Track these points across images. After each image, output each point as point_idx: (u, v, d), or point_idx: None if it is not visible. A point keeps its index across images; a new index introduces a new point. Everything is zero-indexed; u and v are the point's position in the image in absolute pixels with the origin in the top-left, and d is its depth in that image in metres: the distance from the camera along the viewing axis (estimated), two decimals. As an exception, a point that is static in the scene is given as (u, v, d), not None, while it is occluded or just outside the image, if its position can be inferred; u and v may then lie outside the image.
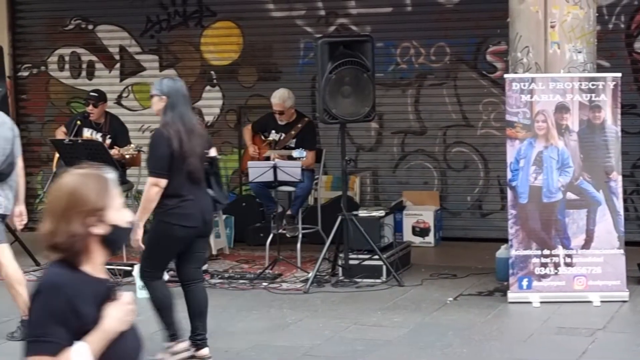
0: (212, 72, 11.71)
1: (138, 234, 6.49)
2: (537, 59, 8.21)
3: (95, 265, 3.12)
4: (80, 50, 12.11)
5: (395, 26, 10.92)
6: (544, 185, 8.08)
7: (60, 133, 10.08)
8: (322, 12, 11.24)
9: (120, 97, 11.93)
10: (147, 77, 11.89)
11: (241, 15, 11.53)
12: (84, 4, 11.96)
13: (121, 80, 11.99)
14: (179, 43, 11.77)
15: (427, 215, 10.66)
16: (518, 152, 8.08)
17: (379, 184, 11.33)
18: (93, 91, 10.12)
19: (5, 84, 10.35)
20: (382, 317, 7.65)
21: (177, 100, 6.45)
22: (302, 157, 9.32)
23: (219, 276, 9.15)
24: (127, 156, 9.68)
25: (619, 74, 8.25)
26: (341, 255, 8.99)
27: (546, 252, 8.07)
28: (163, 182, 6.39)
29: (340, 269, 8.99)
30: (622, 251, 8.07)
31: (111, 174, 3.15)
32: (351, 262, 8.90)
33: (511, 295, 8.02)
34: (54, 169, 9.94)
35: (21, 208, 7.26)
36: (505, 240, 8.32)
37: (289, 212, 9.66)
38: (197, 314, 6.69)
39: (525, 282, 8.04)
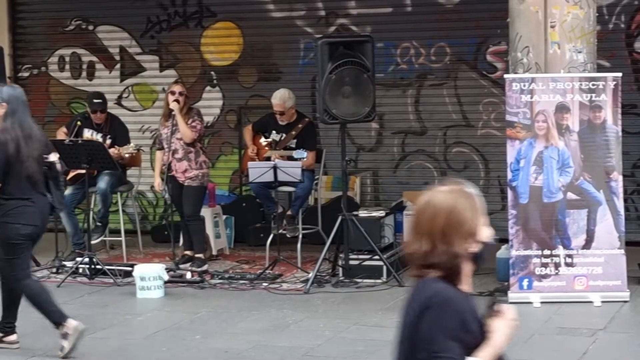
0: (212, 73, 11.71)
1: None
2: (537, 59, 8.21)
3: (466, 281, 3.11)
4: (80, 51, 12.11)
5: (395, 26, 10.92)
6: (545, 185, 8.08)
7: (61, 134, 10.07)
8: (322, 13, 11.24)
9: (120, 97, 11.93)
10: (147, 78, 11.90)
11: (241, 15, 11.52)
12: (84, 5, 11.96)
13: (121, 80, 11.99)
14: (179, 43, 11.77)
15: (427, 216, 10.62)
16: (518, 152, 8.08)
17: (379, 184, 11.33)
18: (95, 97, 10.05)
19: (5, 85, 10.34)
20: (383, 318, 7.65)
21: (16, 107, 6.77)
22: (303, 158, 9.32)
23: (219, 276, 9.15)
24: (127, 155, 9.68)
25: (619, 74, 8.25)
26: (341, 255, 8.99)
27: (547, 252, 8.06)
28: None
29: (340, 269, 8.98)
30: (622, 251, 8.07)
31: (474, 189, 3.17)
32: (351, 262, 8.90)
33: (511, 296, 8.01)
34: (54, 170, 9.92)
35: None
36: (505, 241, 8.32)
37: (289, 213, 9.66)
38: (14, 304, 6.94)
39: (525, 283, 8.03)
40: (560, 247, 8.07)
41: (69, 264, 9.45)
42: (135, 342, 7.20)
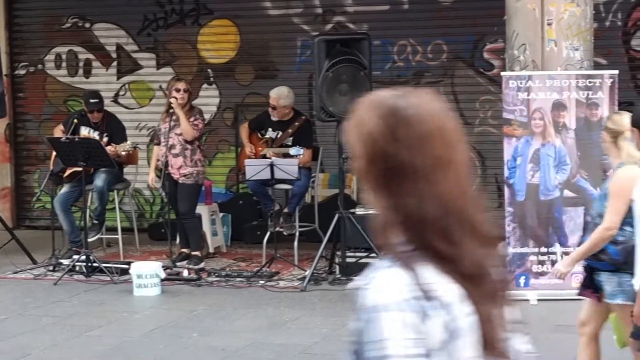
0: (209, 70, 11.70)
1: None
2: (534, 56, 8.21)
3: None
4: (77, 49, 12.10)
5: (392, 24, 10.92)
6: (541, 182, 8.09)
7: (58, 131, 10.07)
8: (319, 10, 11.24)
9: (117, 95, 11.92)
10: (144, 76, 11.90)
11: (238, 13, 11.52)
12: (80, 3, 11.95)
13: (118, 78, 11.98)
14: (176, 41, 11.76)
15: (424, 213, 10.64)
16: (515, 150, 8.08)
17: (376, 181, 11.31)
18: (92, 97, 10.03)
19: (2, 83, 10.34)
20: (380, 315, 7.64)
21: None
22: (299, 155, 9.32)
23: (216, 274, 9.15)
24: (123, 153, 9.67)
25: (616, 72, 8.25)
26: (338, 253, 8.99)
27: (543, 249, 8.07)
28: None
29: (337, 267, 8.99)
30: (619, 249, 8.07)
31: None
32: (348, 260, 8.90)
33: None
34: (51, 167, 9.93)
35: None
36: (502, 238, 8.32)
37: (286, 210, 9.66)
38: None
39: (522, 280, 8.04)
40: (557, 244, 8.08)
41: (65, 261, 9.45)
42: (132, 340, 7.20)
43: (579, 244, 8.01)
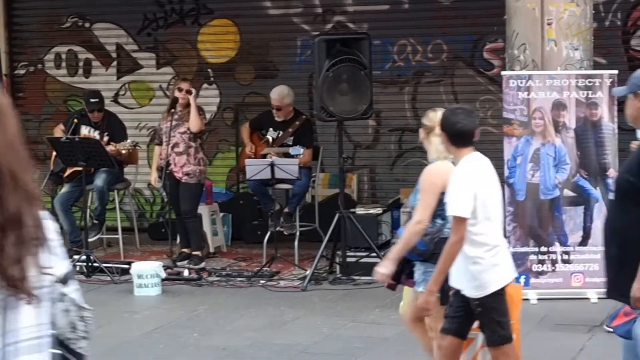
0: (209, 70, 11.70)
1: None
2: (534, 56, 8.22)
3: None
4: (77, 48, 12.10)
5: (392, 24, 10.92)
6: (541, 182, 8.09)
7: (59, 131, 10.07)
8: (319, 10, 11.24)
9: (117, 95, 11.92)
10: (144, 75, 11.90)
11: (238, 12, 11.52)
12: (80, 2, 11.95)
13: (118, 78, 11.98)
14: (175, 41, 11.76)
15: (424, 213, 10.65)
16: (515, 149, 8.08)
17: (376, 181, 11.33)
18: (92, 96, 10.04)
19: (2, 83, 10.34)
20: (380, 315, 7.66)
21: None
22: (300, 155, 9.32)
23: (217, 274, 9.15)
24: (123, 151, 9.67)
25: (616, 71, 8.26)
26: (339, 252, 9.00)
27: (543, 249, 8.07)
28: None
29: (337, 266, 9.00)
30: (619, 248, 8.08)
31: None
32: (349, 259, 8.90)
33: (508, 292, 8.02)
34: (51, 167, 9.94)
35: None
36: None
37: (286, 210, 9.67)
38: None
39: (522, 279, 8.04)
40: (557, 244, 8.08)
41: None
42: (133, 340, 7.21)
43: (579, 243, 8.05)
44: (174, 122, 9.40)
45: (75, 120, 9.91)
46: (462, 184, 4.96)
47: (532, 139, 8.09)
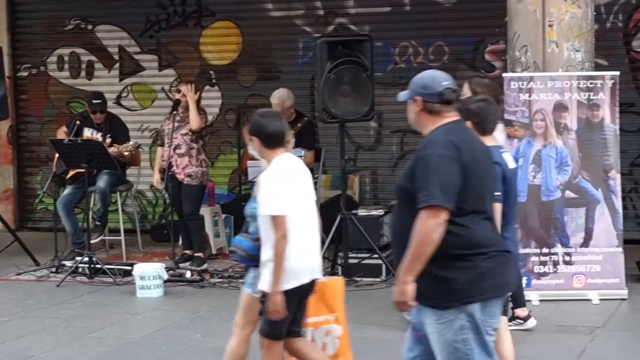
0: (212, 72, 11.72)
1: None
2: (535, 57, 8.23)
3: None
4: (79, 51, 12.13)
5: (393, 25, 10.94)
6: (543, 183, 8.10)
7: (62, 133, 10.09)
8: (321, 12, 11.26)
9: (119, 97, 11.94)
10: (146, 77, 11.92)
11: (240, 15, 11.54)
12: (83, 4, 11.97)
13: (120, 80, 12.00)
14: (178, 43, 11.78)
15: (426, 214, 10.65)
16: (517, 151, 8.09)
17: (378, 183, 11.34)
18: (94, 97, 10.05)
19: (4, 85, 10.36)
20: (382, 316, 7.66)
21: None
22: (301, 157, 9.32)
23: (219, 275, 9.16)
24: (126, 153, 9.68)
25: (617, 73, 8.26)
26: (341, 254, 9.00)
27: (545, 250, 8.08)
28: None
29: (339, 268, 9.00)
30: (620, 249, 8.08)
31: None
32: (351, 261, 8.91)
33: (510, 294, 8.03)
34: (54, 169, 9.95)
35: None
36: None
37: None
38: None
39: (524, 281, 8.04)
40: (559, 245, 8.09)
41: (68, 263, 9.47)
42: (135, 341, 7.22)
43: (581, 245, 8.05)
44: (176, 124, 9.42)
45: (78, 122, 9.92)
46: (277, 183, 5.14)
47: (533, 141, 8.10)
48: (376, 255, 8.83)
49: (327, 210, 9.81)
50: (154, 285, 8.51)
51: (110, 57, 12.01)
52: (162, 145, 9.63)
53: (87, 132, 9.93)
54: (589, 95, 8.11)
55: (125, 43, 11.92)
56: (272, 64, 11.50)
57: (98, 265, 9.13)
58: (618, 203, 8.12)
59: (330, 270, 9.11)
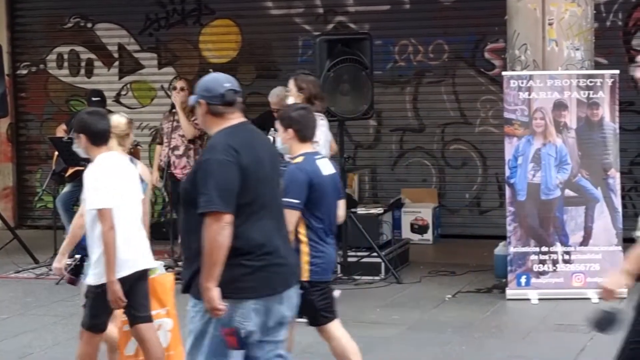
0: (211, 70, 11.61)
1: None
2: (535, 56, 8.23)
3: None
4: (79, 49, 12.12)
5: (393, 24, 10.93)
6: (542, 182, 8.10)
7: (61, 131, 10.09)
8: (321, 10, 11.25)
9: (119, 95, 11.94)
10: (146, 75, 11.92)
11: (240, 13, 11.54)
12: (82, 2, 11.97)
13: (120, 78, 12.00)
14: (177, 41, 11.78)
15: (425, 213, 10.68)
16: (516, 150, 8.09)
17: (377, 181, 11.34)
18: (94, 95, 10.04)
19: (4, 82, 10.35)
20: (381, 315, 7.66)
21: None
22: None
23: (218, 274, 9.14)
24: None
25: (617, 71, 8.27)
26: (340, 252, 9.00)
27: (544, 249, 8.08)
28: None
29: (339, 266, 8.99)
30: (620, 248, 8.08)
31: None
32: (350, 259, 8.91)
33: (509, 292, 8.03)
34: (53, 167, 9.95)
35: None
36: (503, 238, 8.33)
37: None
38: None
39: (523, 279, 8.05)
40: (558, 244, 8.09)
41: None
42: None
43: (580, 244, 8.05)
44: (174, 124, 9.42)
45: (77, 120, 9.90)
46: (101, 178, 5.34)
47: (533, 139, 8.10)
48: (375, 254, 8.82)
49: (326, 209, 9.83)
50: (153, 284, 8.49)
51: (110, 55, 12.01)
52: (161, 143, 9.63)
53: (87, 130, 9.91)
54: (589, 93, 8.11)
55: (125, 41, 11.92)
56: (272, 62, 11.50)
57: (97, 263, 9.11)
58: (617, 202, 8.12)
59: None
